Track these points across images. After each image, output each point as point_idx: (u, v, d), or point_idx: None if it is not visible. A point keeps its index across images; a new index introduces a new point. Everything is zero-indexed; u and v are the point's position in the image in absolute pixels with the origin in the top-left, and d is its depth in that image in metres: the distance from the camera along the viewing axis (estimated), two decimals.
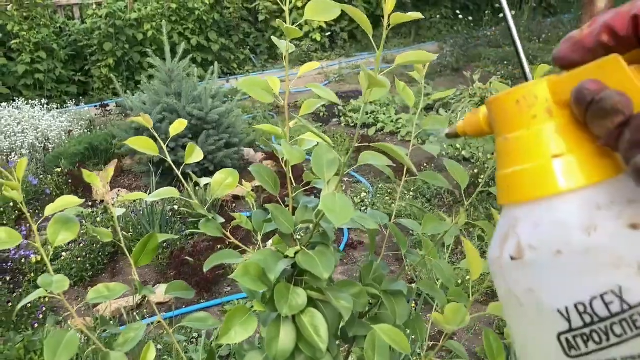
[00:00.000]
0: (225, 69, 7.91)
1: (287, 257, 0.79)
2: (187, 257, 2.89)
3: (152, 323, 2.42)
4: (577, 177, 0.32)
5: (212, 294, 2.80)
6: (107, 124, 5.20)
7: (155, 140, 0.90)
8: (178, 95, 4.06)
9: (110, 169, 0.89)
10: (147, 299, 2.75)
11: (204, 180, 0.90)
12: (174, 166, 0.96)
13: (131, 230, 3.18)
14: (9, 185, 0.80)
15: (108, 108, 5.82)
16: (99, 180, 0.97)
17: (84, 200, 0.90)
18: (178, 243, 3.09)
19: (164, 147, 0.92)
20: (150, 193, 3.29)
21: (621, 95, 0.30)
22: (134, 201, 3.41)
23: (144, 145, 0.92)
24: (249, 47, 8.39)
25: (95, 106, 6.18)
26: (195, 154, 0.98)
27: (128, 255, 0.93)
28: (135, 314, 2.63)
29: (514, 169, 0.35)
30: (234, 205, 3.75)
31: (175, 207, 3.43)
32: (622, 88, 0.30)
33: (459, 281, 2.67)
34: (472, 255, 0.73)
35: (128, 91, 5.13)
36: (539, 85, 0.34)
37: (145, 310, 2.68)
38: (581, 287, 0.32)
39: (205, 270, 0.81)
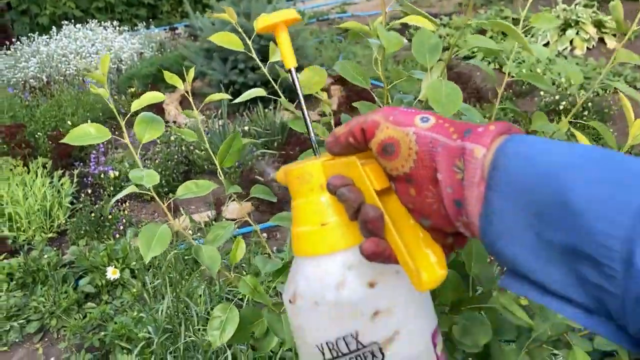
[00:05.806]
0: None
1: None
2: (257, 177, 2.92)
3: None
4: (336, 241, 0.42)
5: None
6: (176, 47, 5.22)
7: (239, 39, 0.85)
8: (247, 16, 3.99)
9: (191, 70, 0.87)
10: (221, 215, 2.82)
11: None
12: (261, 65, 0.92)
13: (204, 149, 3.24)
14: (94, 77, 0.78)
15: (177, 31, 5.84)
16: (180, 81, 0.94)
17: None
18: (249, 163, 3.12)
19: (250, 42, 0.88)
20: (221, 115, 3.28)
21: (350, 192, 0.40)
22: (208, 119, 3.45)
23: (228, 41, 0.88)
24: None
25: (165, 29, 6.21)
26: (278, 52, 0.94)
27: (213, 157, 0.91)
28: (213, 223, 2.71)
29: (297, 229, 0.44)
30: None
31: (246, 128, 3.45)
32: (358, 182, 0.41)
33: None
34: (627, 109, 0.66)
35: (197, 12, 5.09)
36: (313, 166, 0.44)
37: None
38: (331, 330, 0.42)
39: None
